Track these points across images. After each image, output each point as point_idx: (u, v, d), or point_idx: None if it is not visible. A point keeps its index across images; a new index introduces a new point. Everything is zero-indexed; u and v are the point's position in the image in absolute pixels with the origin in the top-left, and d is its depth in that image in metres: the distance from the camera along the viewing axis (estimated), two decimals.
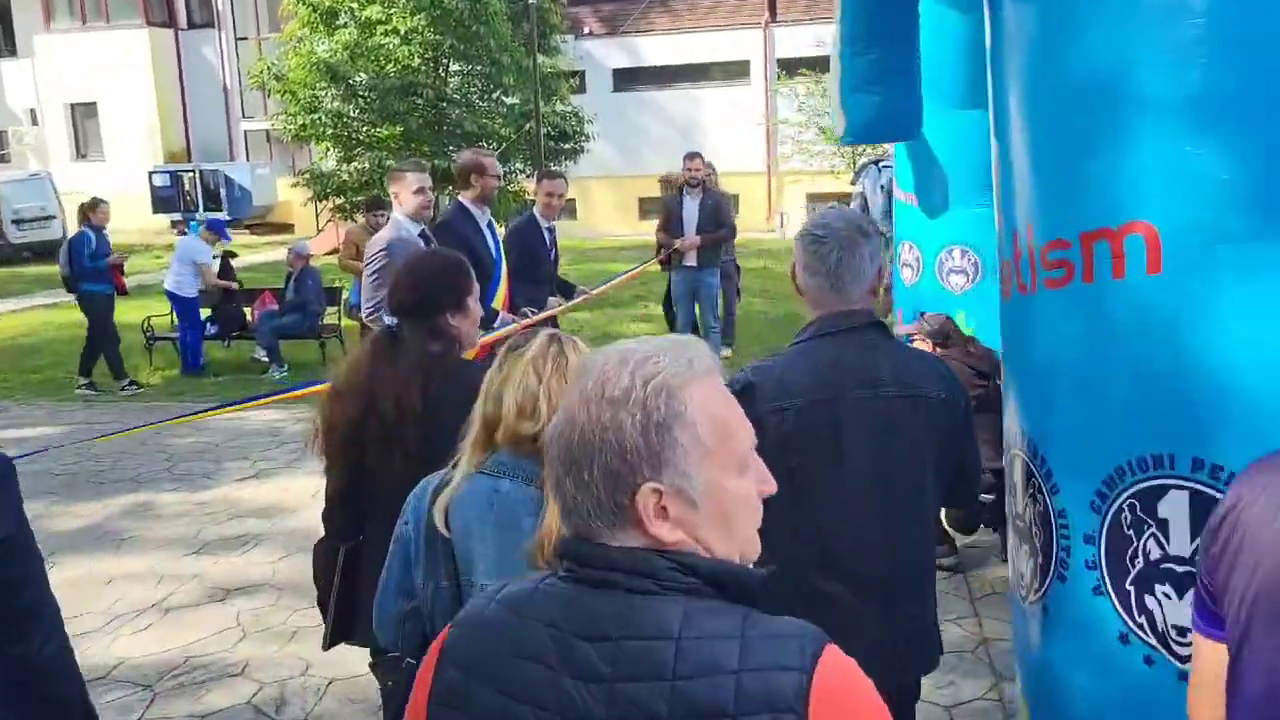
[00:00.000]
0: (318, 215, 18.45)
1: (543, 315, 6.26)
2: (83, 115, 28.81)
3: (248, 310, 10.94)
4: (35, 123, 29.47)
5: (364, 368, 2.55)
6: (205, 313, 10.86)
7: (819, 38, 15.78)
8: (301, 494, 6.44)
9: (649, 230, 25.09)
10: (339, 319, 10.84)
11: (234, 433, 8.20)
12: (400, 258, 4.87)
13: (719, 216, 9.06)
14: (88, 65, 27.73)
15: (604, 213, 24.09)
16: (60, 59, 28.07)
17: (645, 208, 24.99)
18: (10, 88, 29.57)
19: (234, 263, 11.63)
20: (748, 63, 23.58)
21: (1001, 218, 2.66)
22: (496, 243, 5.92)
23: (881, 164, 12.40)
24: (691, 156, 9.08)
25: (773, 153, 22.90)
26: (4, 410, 9.35)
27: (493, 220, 5.99)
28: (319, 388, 3.72)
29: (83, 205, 10.10)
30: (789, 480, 2.28)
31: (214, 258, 10.81)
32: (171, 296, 10.51)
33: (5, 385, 10.39)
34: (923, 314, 6.62)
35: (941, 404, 2.36)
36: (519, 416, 1.99)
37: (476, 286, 2.74)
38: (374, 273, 4.85)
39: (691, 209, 8.99)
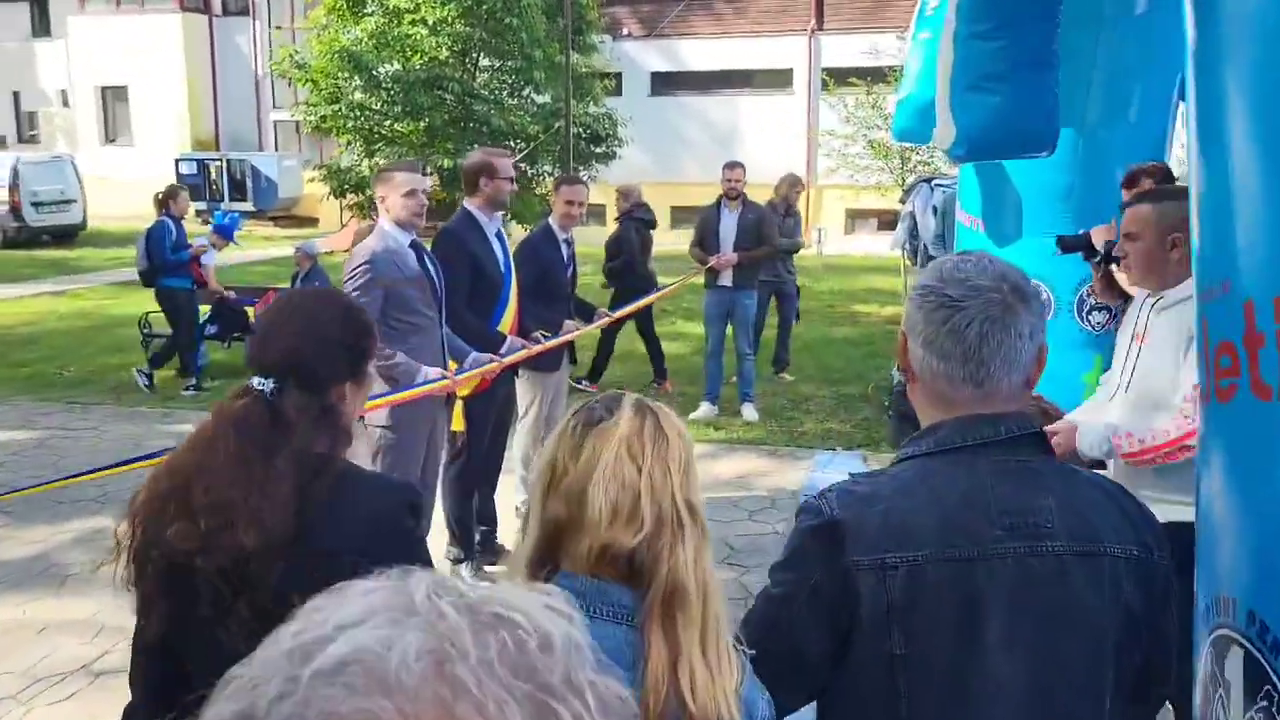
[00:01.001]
0: (341, 210, 17.79)
1: (557, 341, 5.45)
2: (113, 98, 28.39)
3: (250, 311, 10.21)
4: (66, 104, 29.06)
5: (220, 460, 1.64)
6: (205, 311, 10.15)
7: (873, 45, 14.89)
8: None
9: (682, 241, 24.37)
10: None
11: None
12: (387, 273, 4.08)
13: (760, 233, 8.22)
14: (120, 48, 27.29)
15: None
16: (93, 41, 27.65)
17: (678, 217, 24.19)
18: (43, 69, 29.19)
19: (250, 255, 10.92)
20: (791, 71, 22.75)
21: (1208, 275, 1.81)
22: (506, 255, 5.12)
23: (934, 182, 11.52)
24: (732, 166, 8.24)
25: (812, 165, 22.03)
26: None
27: (502, 230, 5.18)
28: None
29: (160, 193, 9.43)
30: (889, 673, 1.46)
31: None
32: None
33: None
34: None
35: (1135, 565, 1.53)
36: (614, 523, 1.40)
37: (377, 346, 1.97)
38: (354, 292, 4.07)
39: (730, 223, 8.16)
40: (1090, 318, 7.14)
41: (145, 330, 10.21)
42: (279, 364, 1.72)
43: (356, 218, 15.56)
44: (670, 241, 23.46)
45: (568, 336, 5.63)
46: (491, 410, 5.11)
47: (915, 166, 12.95)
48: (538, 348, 5.12)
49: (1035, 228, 6.89)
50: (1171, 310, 2.87)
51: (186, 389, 9.27)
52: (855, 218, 21.29)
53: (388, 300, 4.12)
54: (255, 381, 1.72)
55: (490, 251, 4.99)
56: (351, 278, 4.07)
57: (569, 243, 5.91)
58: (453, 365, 4.58)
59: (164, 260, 9.00)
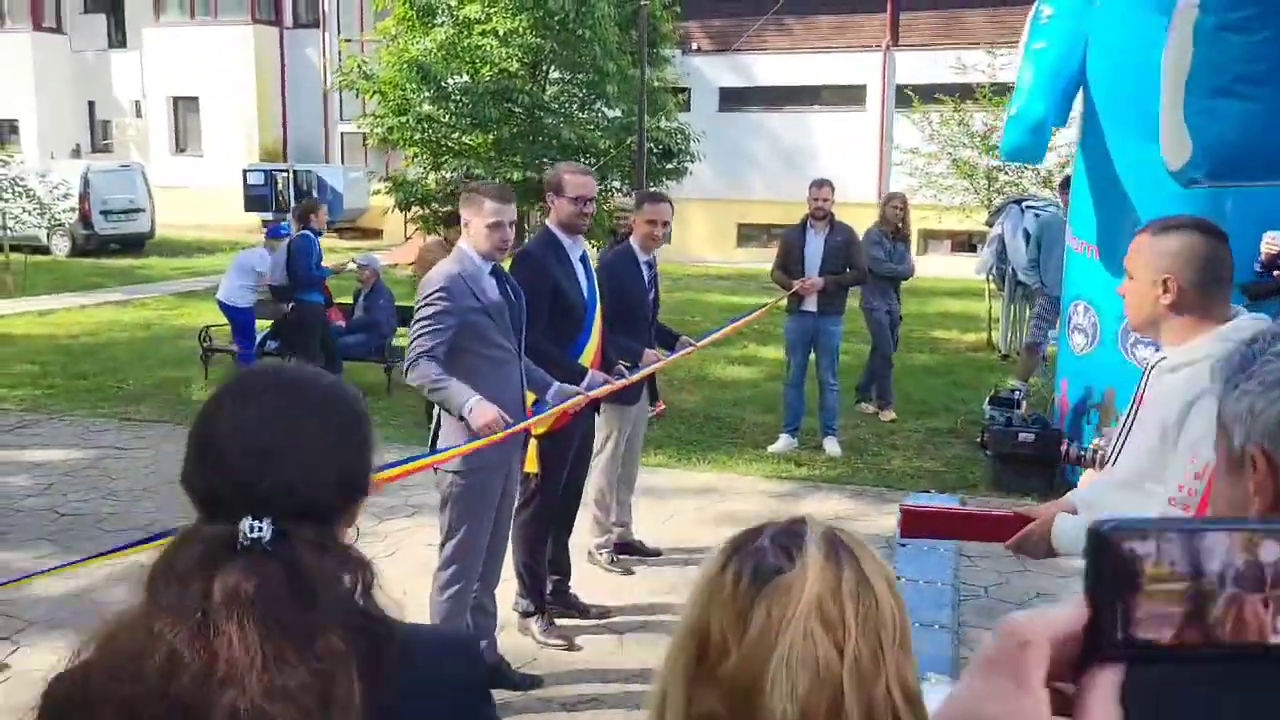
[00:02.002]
0: (406, 223, 17.58)
1: (641, 374, 4.98)
2: (184, 109, 28.64)
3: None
4: (139, 114, 29.38)
5: (236, 671, 1.02)
6: (263, 325, 9.87)
7: (959, 59, 14.26)
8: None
9: (745, 258, 23.95)
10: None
11: None
12: (464, 301, 3.63)
13: (848, 256, 7.68)
14: (192, 59, 27.53)
15: (698, 238, 22.82)
16: (166, 52, 27.93)
17: (744, 234, 23.68)
18: (118, 79, 29.56)
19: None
20: (864, 87, 22.16)
21: None
22: (591, 281, 4.66)
23: (1025, 204, 10.90)
24: (820, 185, 7.70)
25: (884, 184, 21.39)
26: (34, 424, 8.38)
27: (587, 253, 4.72)
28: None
29: (300, 206, 9.29)
30: None
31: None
32: (224, 308, 9.54)
33: (49, 392, 9.46)
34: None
35: None
36: None
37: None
38: (425, 320, 3.63)
39: (816, 245, 7.63)
40: (1135, 351, 6.48)
41: (206, 344, 9.95)
42: (279, 494, 1.11)
43: (421, 231, 15.27)
44: (739, 259, 23.06)
45: (651, 369, 5.16)
46: (569, 449, 4.64)
47: (1003, 187, 12.27)
48: (621, 382, 4.66)
49: None
50: (1175, 376, 2.29)
51: None
52: (929, 238, 20.60)
53: (463, 330, 3.68)
54: (246, 528, 1.08)
55: (573, 276, 4.54)
56: (425, 305, 3.63)
57: (650, 265, 5.45)
58: (531, 398, 4.13)
59: (308, 275, 8.77)
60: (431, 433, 3.91)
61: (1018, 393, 8.62)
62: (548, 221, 4.63)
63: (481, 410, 3.57)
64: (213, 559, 1.08)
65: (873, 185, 21.35)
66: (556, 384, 4.16)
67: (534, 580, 4.69)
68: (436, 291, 3.64)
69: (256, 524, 1.09)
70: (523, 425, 3.83)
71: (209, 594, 1.05)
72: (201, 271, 18.42)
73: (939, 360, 11.51)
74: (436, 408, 3.88)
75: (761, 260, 22.82)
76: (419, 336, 3.65)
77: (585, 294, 4.60)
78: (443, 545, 3.90)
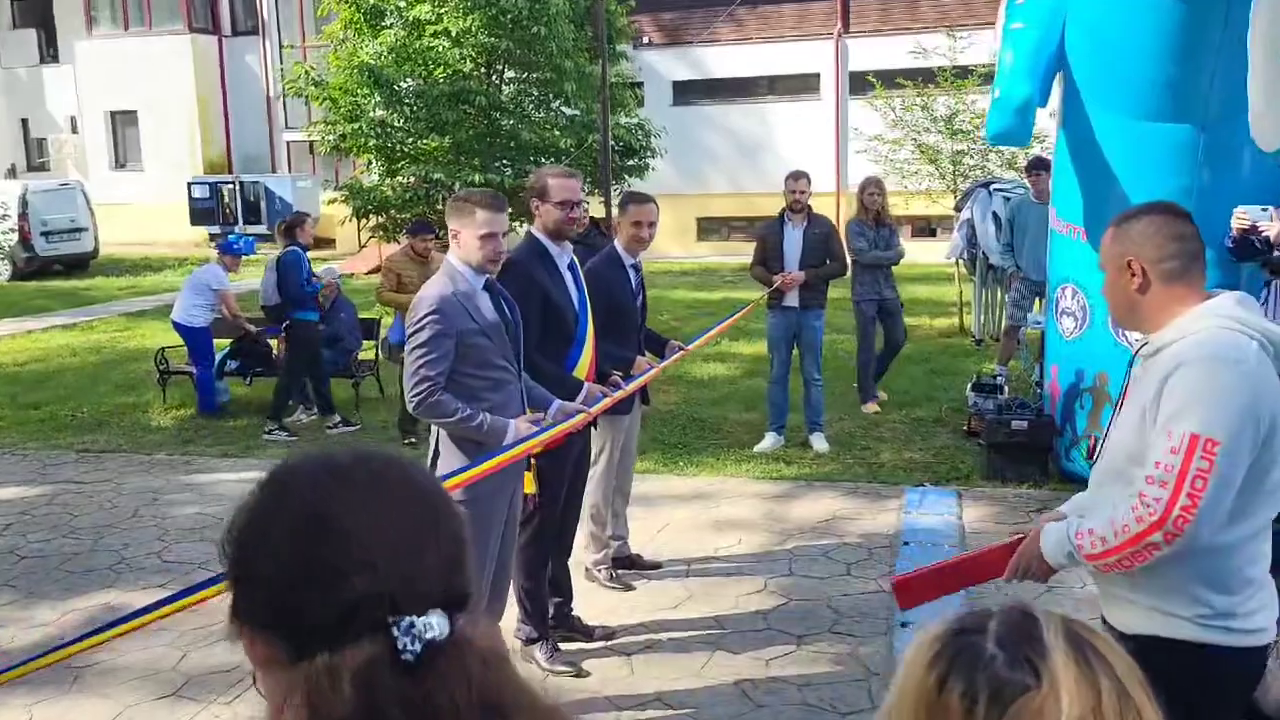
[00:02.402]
0: (360, 232, 17.20)
1: (637, 384, 4.77)
2: (123, 123, 27.89)
3: (274, 343, 9.56)
4: (75, 130, 28.57)
5: None
6: (222, 344, 9.51)
7: (919, 45, 14.17)
8: None
9: (707, 252, 23.75)
10: (375, 355, 9.45)
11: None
12: (459, 323, 3.40)
13: (828, 248, 7.52)
14: (129, 72, 26.79)
15: (660, 234, 22.50)
16: (101, 65, 27.16)
17: (704, 228, 23.51)
18: (52, 95, 28.72)
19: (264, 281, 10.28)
20: (818, 76, 22.08)
21: None
22: (581, 290, 4.45)
23: (994, 187, 10.84)
24: (797, 176, 7.53)
25: (842, 172, 21.34)
26: None
27: (575, 261, 4.50)
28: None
29: (284, 221, 8.84)
30: None
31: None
32: (179, 328, 9.14)
33: None
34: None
35: None
36: None
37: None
38: (422, 349, 3.38)
39: (794, 239, 7.46)
40: (1127, 334, 6.36)
41: (162, 366, 9.58)
42: (444, 587, 0.88)
43: (378, 240, 14.95)
44: (701, 253, 22.88)
45: (646, 378, 4.94)
46: (567, 467, 4.43)
47: (968, 171, 12.19)
48: (619, 393, 4.44)
49: None
50: (1157, 359, 2.25)
51: (331, 428, 8.63)
52: None
53: (459, 354, 3.44)
54: (409, 628, 0.83)
55: (562, 285, 4.31)
56: (419, 329, 3.39)
57: (637, 269, 5.25)
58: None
59: (300, 292, 8.39)
60: (430, 459, 3.67)
61: (999, 377, 8.52)
62: (532, 229, 4.40)
63: (526, 427, 3.36)
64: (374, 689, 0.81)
65: (830, 175, 21.29)
66: (558, 402, 3.94)
67: (535, 605, 4.47)
68: (430, 315, 3.40)
69: (425, 621, 0.83)
70: (536, 440, 3.60)
71: None
72: (149, 290, 17.90)
73: (914, 348, 11.38)
74: (433, 429, 3.63)
75: (724, 254, 22.74)
76: (420, 366, 3.40)
77: (576, 304, 4.38)
78: None
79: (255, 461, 7.65)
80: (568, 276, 4.35)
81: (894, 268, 8.86)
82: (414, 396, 3.39)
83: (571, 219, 4.31)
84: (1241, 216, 4.92)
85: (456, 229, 3.54)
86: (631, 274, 5.17)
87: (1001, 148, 10.78)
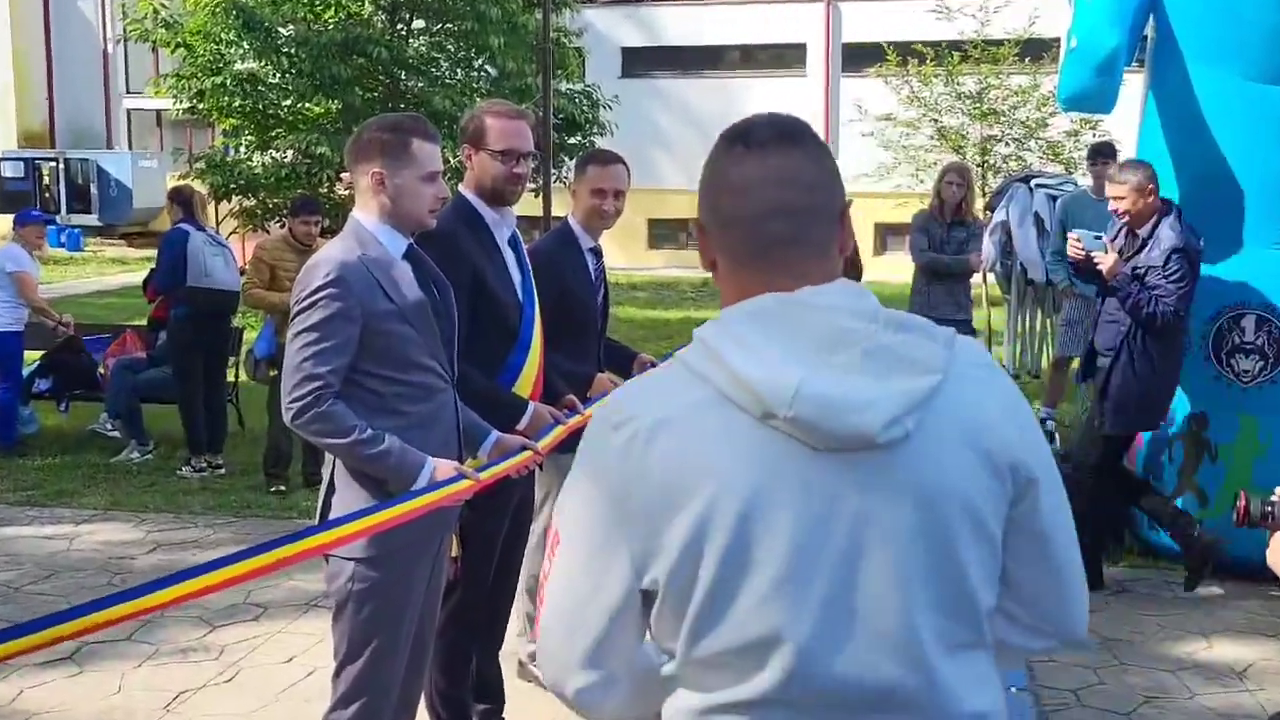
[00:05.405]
0: (219, 221, 16.73)
1: (590, 412, 4.30)
2: None
3: (98, 359, 9.21)
4: None
5: None
6: (32, 357, 9.10)
7: (941, 4, 14.11)
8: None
9: (661, 263, 23.48)
10: (235, 375, 8.97)
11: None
12: (367, 301, 2.97)
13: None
14: None
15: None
16: None
17: (657, 233, 23.29)
18: None
19: (95, 284, 9.77)
20: (803, 47, 22.22)
21: None
22: (526, 274, 4.01)
23: (1035, 183, 10.64)
24: None
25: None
26: None
27: (519, 236, 4.06)
28: None
29: (177, 191, 8.56)
30: None
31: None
32: None
33: None
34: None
35: None
36: None
37: None
38: (308, 333, 2.93)
39: None
40: (1234, 362, 6.15)
41: None
42: None
43: (243, 229, 14.50)
44: (654, 265, 22.56)
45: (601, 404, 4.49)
46: (501, 522, 3.97)
47: (999, 162, 12.06)
48: (575, 420, 3.99)
49: (1262, 235, 5.96)
50: None
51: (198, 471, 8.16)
52: (888, 233, 20.52)
53: (366, 346, 2.98)
54: None
55: (501, 265, 3.87)
56: (305, 308, 2.92)
57: (597, 253, 4.82)
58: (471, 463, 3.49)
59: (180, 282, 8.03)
60: (321, 501, 3.19)
61: (1048, 422, 8.24)
62: (462, 187, 3.96)
63: (449, 470, 2.93)
64: None
65: None
66: (495, 432, 3.49)
67: (453, 713, 3.99)
68: (326, 286, 2.92)
69: None
70: (464, 486, 3.14)
71: None
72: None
73: None
74: (331, 462, 3.16)
75: (682, 265, 22.48)
76: (305, 359, 2.93)
77: (520, 291, 3.93)
78: (338, 672, 3.19)
79: (67, 513, 7.14)
80: (509, 254, 3.91)
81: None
82: (293, 403, 2.91)
83: (516, 175, 3.86)
84: (1076, 245, 5.69)
85: (379, 173, 3.09)
86: (590, 259, 4.74)
87: (1046, 134, 10.61)
